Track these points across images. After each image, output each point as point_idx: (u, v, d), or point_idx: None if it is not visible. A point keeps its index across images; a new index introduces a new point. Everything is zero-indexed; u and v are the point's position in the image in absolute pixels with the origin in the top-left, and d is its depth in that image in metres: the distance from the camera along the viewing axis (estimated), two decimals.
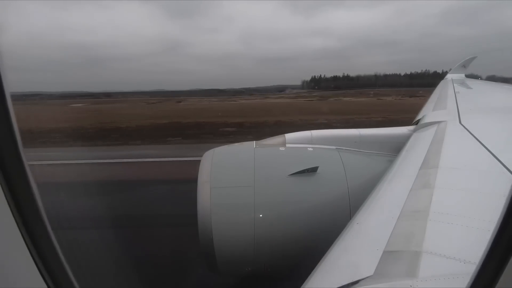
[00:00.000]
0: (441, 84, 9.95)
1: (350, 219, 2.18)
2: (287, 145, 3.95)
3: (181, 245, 5.77)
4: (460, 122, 4.14)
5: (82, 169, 11.52)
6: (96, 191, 7.92)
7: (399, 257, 1.52)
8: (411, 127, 4.61)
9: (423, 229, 1.70)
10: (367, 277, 1.40)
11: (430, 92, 8.84)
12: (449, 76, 11.19)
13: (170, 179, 9.85)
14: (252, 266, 3.31)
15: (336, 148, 3.88)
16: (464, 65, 11.99)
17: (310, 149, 3.83)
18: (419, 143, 3.66)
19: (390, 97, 52.36)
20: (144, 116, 29.31)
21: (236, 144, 4.15)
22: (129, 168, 11.96)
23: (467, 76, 11.75)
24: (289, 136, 4.15)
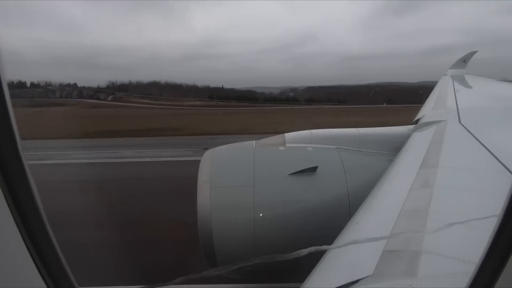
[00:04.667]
0: (441, 80, 9.85)
1: (350, 218, 2.18)
2: (287, 145, 3.94)
3: None
4: (459, 121, 4.15)
5: None
6: None
7: (398, 257, 1.52)
8: (411, 127, 4.60)
9: (423, 228, 1.70)
10: (367, 276, 1.40)
11: None
12: (449, 71, 11.07)
13: None
14: (252, 266, 3.30)
15: (336, 147, 3.88)
16: (464, 60, 11.89)
17: (309, 148, 3.83)
18: (418, 143, 3.66)
19: None
20: None
21: (236, 143, 4.14)
22: None
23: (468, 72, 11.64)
24: (289, 135, 4.14)
